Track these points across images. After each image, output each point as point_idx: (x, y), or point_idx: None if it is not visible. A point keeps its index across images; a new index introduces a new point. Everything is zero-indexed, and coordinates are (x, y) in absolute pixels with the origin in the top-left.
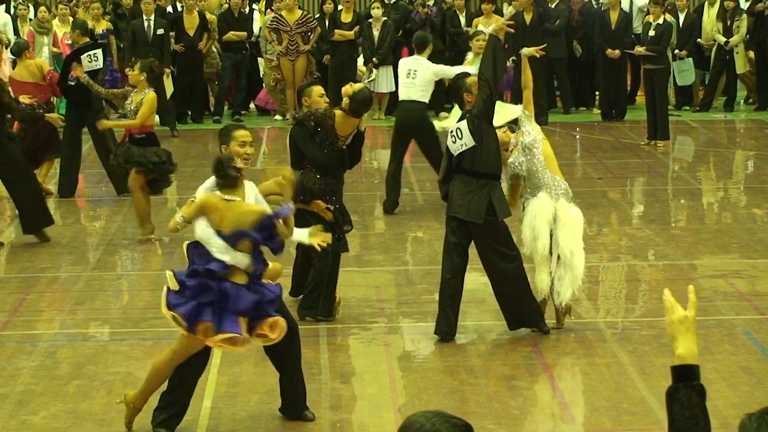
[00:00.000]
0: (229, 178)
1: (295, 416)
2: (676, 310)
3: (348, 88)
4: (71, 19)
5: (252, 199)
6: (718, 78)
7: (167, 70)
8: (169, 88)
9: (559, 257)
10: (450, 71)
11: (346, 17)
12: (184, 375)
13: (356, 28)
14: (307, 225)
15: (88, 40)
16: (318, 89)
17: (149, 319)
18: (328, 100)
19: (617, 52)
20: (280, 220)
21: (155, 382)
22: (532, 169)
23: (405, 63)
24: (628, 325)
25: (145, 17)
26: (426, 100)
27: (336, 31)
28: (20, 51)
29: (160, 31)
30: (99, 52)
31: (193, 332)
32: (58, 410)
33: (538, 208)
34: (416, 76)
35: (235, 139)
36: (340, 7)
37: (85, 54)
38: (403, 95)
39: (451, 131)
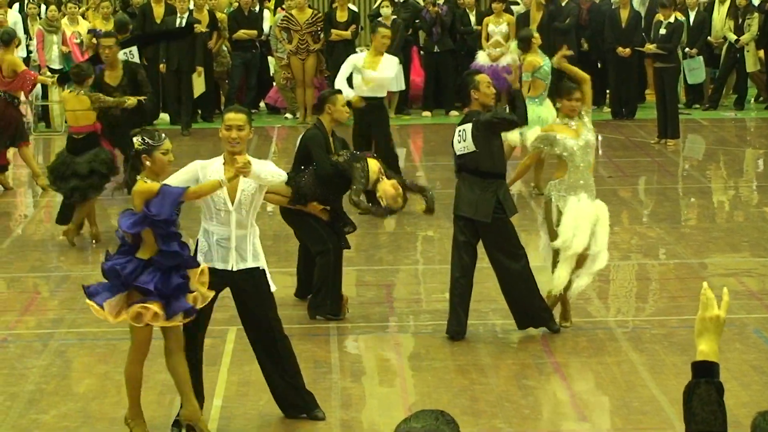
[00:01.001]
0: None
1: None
2: (712, 307)
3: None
4: (81, 18)
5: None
6: (727, 75)
7: (199, 68)
8: (199, 87)
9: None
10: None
11: (342, 16)
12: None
13: (352, 27)
14: (307, 226)
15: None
16: (342, 98)
17: None
18: (349, 111)
19: (627, 50)
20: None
21: (131, 387)
22: (581, 166)
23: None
24: (638, 324)
25: (179, 15)
26: (380, 94)
27: (333, 30)
28: (10, 40)
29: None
30: (135, 49)
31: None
32: (69, 409)
33: (581, 210)
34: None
35: (223, 121)
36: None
37: (121, 50)
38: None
39: (458, 130)
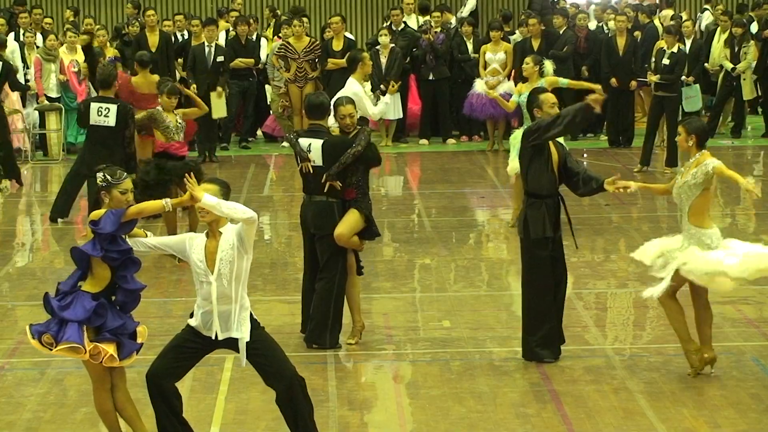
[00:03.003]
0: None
1: None
2: None
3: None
4: (78, 47)
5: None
6: (723, 103)
7: (219, 89)
8: (220, 109)
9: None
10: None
11: (338, 45)
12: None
13: (348, 55)
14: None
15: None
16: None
17: (156, 346)
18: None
19: (614, 81)
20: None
21: (108, 421)
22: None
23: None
24: (636, 352)
25: (206, 44)
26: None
27: (329, 60)
28: None
29: (220, 59)
30: (113, 107)
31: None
32: None
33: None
34: None
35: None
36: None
37: (96, 104)
38: None
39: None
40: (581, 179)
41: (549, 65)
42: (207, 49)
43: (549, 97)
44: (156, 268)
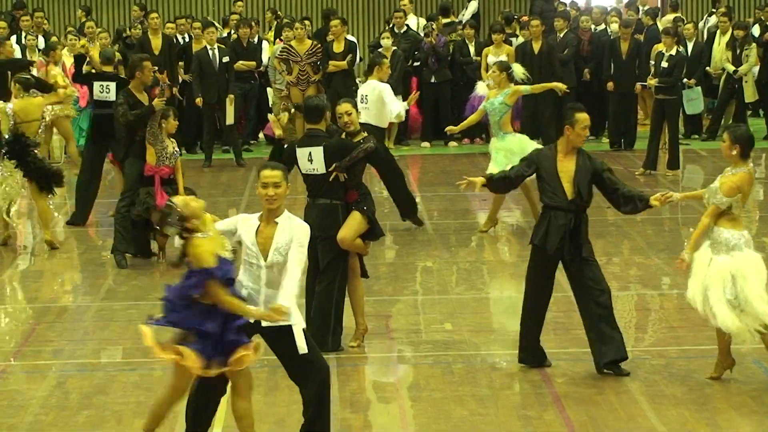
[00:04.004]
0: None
1: None
2: None
3: None
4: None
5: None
6: (725, 106)
7: (231, 96)
8: (230, 117)
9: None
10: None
11: (338, 47)
12: (198, 416)
13: (349, 57)
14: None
15: (111, 69)
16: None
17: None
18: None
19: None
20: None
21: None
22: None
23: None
24: (638, 355)
25: (209, 46)
26: (382, 124)
27: (330, 62)
28: None
29: (226, 59)
30: (113, 85)
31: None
32: None
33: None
34: (367, 101)
35: (258, 178)
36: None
37: (98, 83)
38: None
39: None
40: (621, 196)
41: (518, 69)
42: (211, 52)
43: (584, 118)
44: (153, 271)
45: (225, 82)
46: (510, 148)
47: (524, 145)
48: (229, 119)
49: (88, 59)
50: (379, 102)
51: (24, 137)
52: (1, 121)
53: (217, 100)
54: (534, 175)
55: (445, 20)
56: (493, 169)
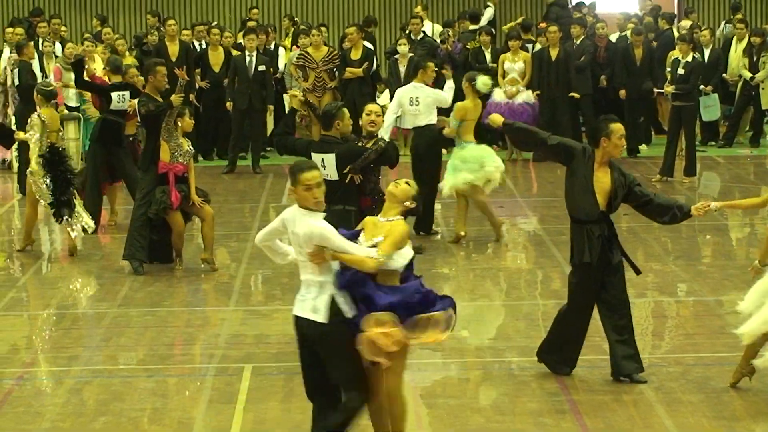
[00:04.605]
0: None
1: None
2: None
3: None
4: (96, 57)
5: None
6: (742, 113)
7: (270, 107)
8: (270, 126)
9: None
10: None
11: (356, 54)
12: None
13: (365, 65)
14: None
15: (119, 77)
16: (347, 112)
17: (175, 355)
18: (351, 122)
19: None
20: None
21: (396, 409)
22: None
23: (405, 91)
24: (654, 362)
25: (247, 53)
26: (434, 119)
27: (347, 69)
28: None
29: (262, 68)
30: (128, 93)
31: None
32: None
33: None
34: (419, 103)
35: (298, 182)
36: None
37: (116, 93)
38: (410, 123)
39: None
40: (657, 207)
41: (481, 81)
42: (248, 59)
43: (619, 128)
44: (170, 278)
45: (258, 90)
46: (464, 156)
47: (484, 154)
48: (270, 128)
49: (86, 65)
50: (431, 101)
51: (61, 148)
52: (40, 131)
53: (248, 106)
54: (557, 162)
55: (472, 26)
56: (447, 177)
